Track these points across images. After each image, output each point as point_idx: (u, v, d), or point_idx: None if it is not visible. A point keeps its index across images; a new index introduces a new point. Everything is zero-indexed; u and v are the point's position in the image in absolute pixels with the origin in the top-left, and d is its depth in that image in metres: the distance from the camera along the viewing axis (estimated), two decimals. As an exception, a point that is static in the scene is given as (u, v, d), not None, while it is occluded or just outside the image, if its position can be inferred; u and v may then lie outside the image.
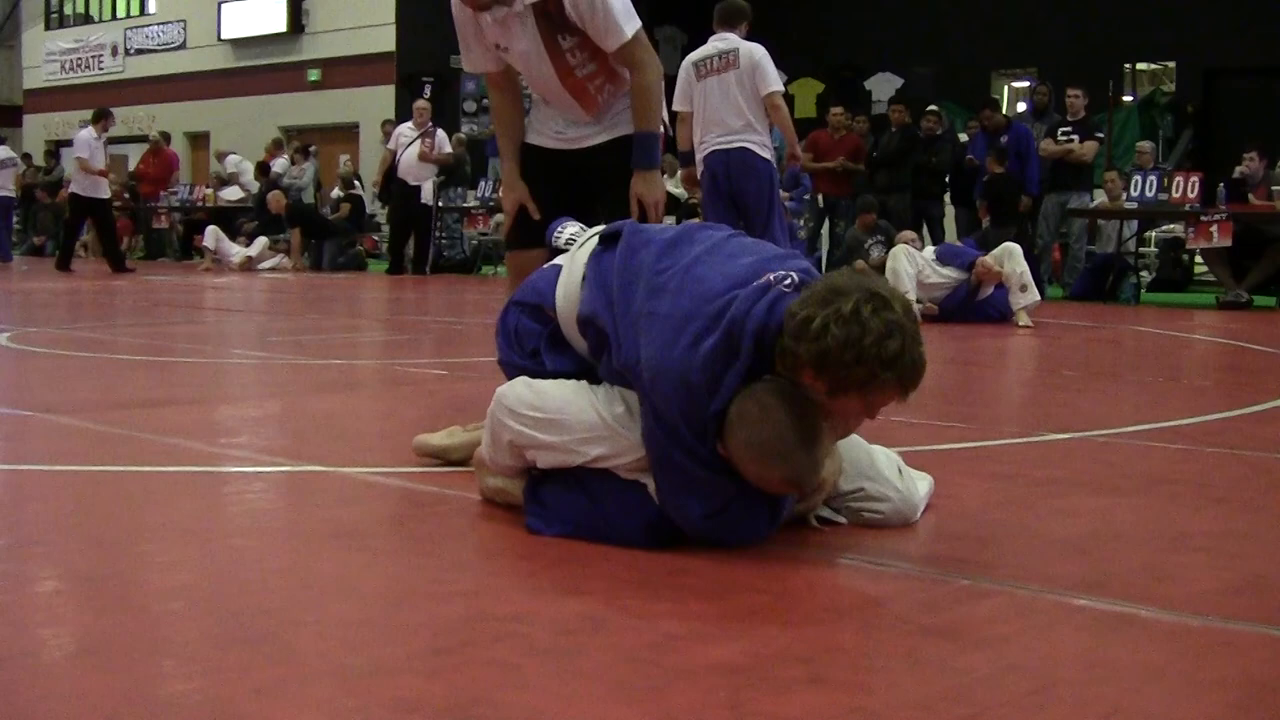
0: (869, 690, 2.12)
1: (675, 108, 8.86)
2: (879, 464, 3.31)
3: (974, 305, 10.53)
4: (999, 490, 3.81)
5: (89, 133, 17.94)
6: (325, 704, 2.05)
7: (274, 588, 2.71)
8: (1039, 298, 10.67)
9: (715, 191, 8.79)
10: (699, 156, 8.85)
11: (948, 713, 2.03)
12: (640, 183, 4.57)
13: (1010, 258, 10.49)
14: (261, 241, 19.90)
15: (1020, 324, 10.23)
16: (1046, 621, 2.54)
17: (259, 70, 27.45)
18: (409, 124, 18.23)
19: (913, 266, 10.72)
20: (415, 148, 17.75)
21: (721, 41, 8.76)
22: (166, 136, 24.35)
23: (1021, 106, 18.71)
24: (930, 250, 11.29)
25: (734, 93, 8.63)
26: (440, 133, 18.18)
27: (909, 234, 11.94)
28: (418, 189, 17.79)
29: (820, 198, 16.23)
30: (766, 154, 8.73)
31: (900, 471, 3.35)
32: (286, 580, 2.75)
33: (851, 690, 2.13)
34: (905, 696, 2.10)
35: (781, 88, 8.97)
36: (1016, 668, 2.24)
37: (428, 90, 22.93)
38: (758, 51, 8.69)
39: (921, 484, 3.42)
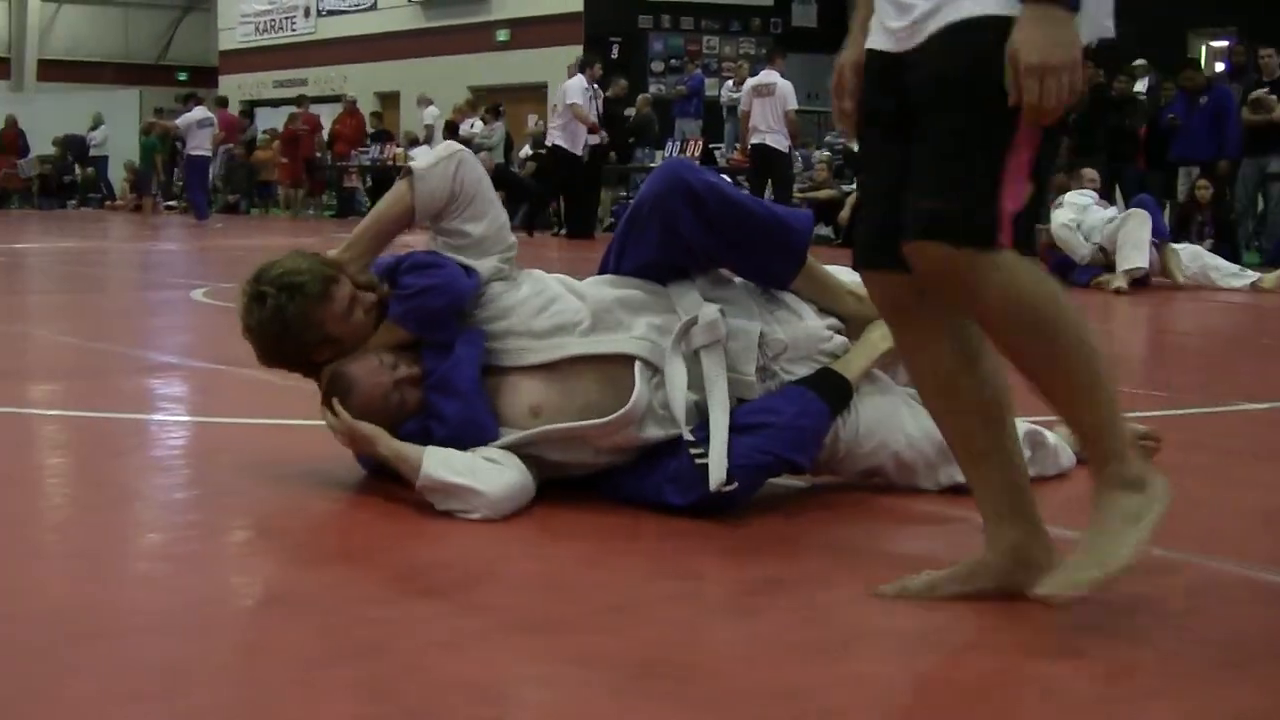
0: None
1: None
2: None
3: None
4: (1186, 459, 3.71)
5: (580, 80, 15.99)
6: (511, 658, 2.08)
7: (463, 542, 2.74)
8: (1144, 265, 9.77)
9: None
10: None
11: (1140, 686, 2.02)
12: None
13: (1131, 219, 9.79)
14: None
15: (1113, 286, 9.36)
16: (1235, 596, 2.48)
17: (449, 30, 27.64)
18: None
19: (1072, 213, 9.89)
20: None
21: None
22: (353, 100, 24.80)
23: (1220, 67, 18.05)
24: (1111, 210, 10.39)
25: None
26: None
27: (1089, 172, 10.90)
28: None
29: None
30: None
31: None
32: (477, 537, 2.77)
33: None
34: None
35: None
36: (1203, 642, 2.19)
37: (615, 50, 22.88)
38: None
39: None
